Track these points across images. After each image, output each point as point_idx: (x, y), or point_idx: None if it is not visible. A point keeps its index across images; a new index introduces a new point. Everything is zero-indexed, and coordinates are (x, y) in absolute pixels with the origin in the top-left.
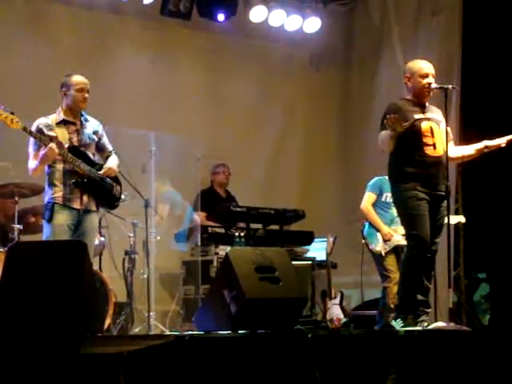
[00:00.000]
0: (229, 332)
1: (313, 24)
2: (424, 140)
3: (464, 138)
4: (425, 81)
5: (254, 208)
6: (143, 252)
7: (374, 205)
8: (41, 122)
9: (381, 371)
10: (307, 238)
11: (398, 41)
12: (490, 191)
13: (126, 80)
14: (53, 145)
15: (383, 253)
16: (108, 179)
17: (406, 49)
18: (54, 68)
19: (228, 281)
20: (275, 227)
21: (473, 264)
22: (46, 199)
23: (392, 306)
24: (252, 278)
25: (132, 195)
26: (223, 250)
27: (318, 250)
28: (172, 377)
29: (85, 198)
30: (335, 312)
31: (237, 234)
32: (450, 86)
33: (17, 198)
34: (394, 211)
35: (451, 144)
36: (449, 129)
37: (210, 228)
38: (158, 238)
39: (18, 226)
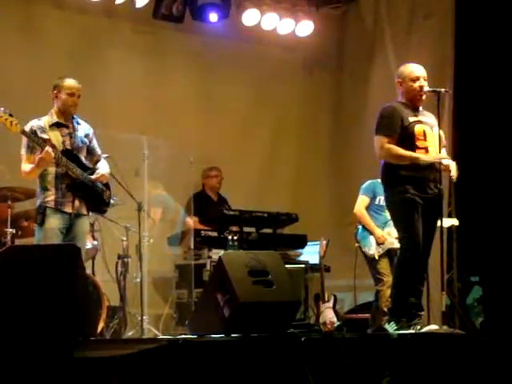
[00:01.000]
0: (222, 336)
1: (305, 28)
2: (417, 143)
3: (457, 141)
4: (416, 84)
5: (247, 211)
6: (136, 256)
7: (368, 208)
8: (34, 124)
9: (374, 374)
10: (300, 242)
11: (391, 44)
12: (483, 194)
13: (118, 84)
14: (49, 148)
15: (376, 256)
16: (99, 184)
17: (399, 52)
18: (47, 71)
19: (221, 284)
20: (268, 231)
21: (466, 267)
22: (38, 203)
23: (385, 309)
24: (245, 281)
25: (124, 199)
26: (216, 253)
27: (311, 254)
28: (165, 381)
29: (77, 202)
30: (328, 315)
31: (230, 237)
32: (443, 90)
33: (10, 202)
34: (387, 214)
35: (443, 151)
36: (442, 133)
37: (202, 232)
38: (151, 241)
39: (11, 230)
